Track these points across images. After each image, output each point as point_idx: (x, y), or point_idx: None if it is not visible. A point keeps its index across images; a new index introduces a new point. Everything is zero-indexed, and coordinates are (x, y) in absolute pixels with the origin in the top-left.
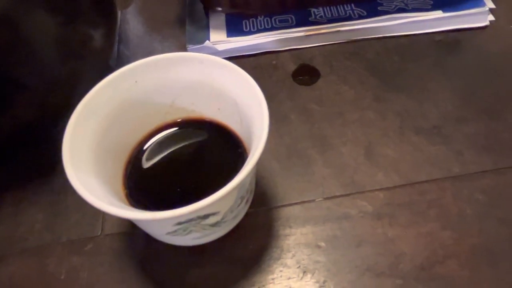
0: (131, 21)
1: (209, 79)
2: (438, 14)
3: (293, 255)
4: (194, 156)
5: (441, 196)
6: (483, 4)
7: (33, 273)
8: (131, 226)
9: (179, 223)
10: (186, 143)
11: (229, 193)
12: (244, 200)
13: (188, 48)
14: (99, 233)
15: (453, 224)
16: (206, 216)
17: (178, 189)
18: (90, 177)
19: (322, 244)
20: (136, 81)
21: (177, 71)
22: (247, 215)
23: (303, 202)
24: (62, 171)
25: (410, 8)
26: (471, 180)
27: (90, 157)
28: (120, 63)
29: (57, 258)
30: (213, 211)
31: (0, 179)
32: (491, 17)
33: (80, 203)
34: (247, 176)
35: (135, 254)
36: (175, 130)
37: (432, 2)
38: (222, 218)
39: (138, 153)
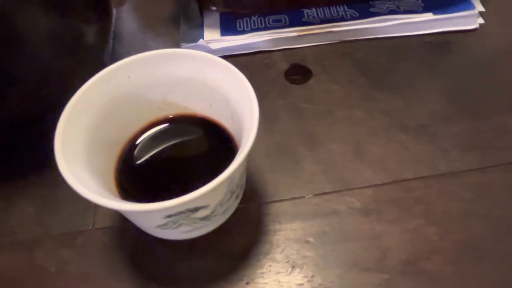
0: (125, 19)
1: (201, 75)
2: (429, 16)
3: (282, 250)
4: (186, 151)
5: (427, 193)
6: (473, 7)
7: (22, 266)
8: (122, 220)
9: (169, 216)
10: (177, 138)
11: (219, 186)
12: (234, 195)
13: (182, 47)
14: (90, 227)
15: (438, 220)
16: (196, 209)
17: (169, 184)
18: (82, 170)
19: (311, 239)
20: (129, 77)
21: (169, 67)
22: (237, 210)
23: (293, 198)
24: (54, 165)
25: (401, 10)
26: (457, 178)
27: (82, 150)
28: (114, 60)
29: (47, 251)
30: (202, 204)
31: None
32: (480, 20)
33: (72, 196)
34: (236, 170)
35: (125, 248)
36: (167, 126)
37: (423, 5)
38: (212, 212)
39: (130, 148)
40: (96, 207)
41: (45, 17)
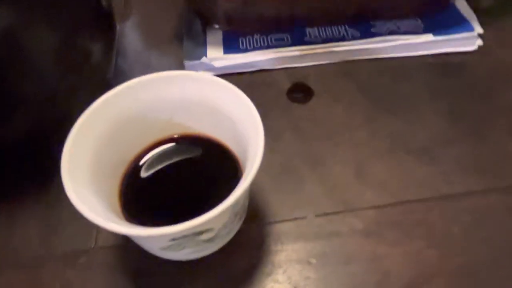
0: (129, 35)
1: (207, 97)
2: (429, 37)
3: (284, 271)
4: (189, 172)
5: (428, 216)
6: (472, 29)
7: (26, 286)
8: (125, 240)
9: (174, 239)
10: (181, 159)
11: (224, 211)
12: (238, 217)
13: (185, 64)
14: (92, 246)
15: (439, 243)
16: (201, 233)
17: (174, 205)
18: (88, 191)
19: (313, 260)
20: (134, 98)
21: (176, 88)
22: (239, 230)
23: (295, 218)
24: (58, 184)
25: (401, 31)
26: (457, 200)
27: (88, 172)
28: (117, 77)
29: (51, 271)
30: (207, 228)
31: None
32: (479, 42)
33: (75, 215)
34: (241, 195)
35: (128, 267)
36: (171, 146)
37: (423, 26)
38: (216, 234)
39: (134, 168)
40: (98, 226)
41: (51, 36)
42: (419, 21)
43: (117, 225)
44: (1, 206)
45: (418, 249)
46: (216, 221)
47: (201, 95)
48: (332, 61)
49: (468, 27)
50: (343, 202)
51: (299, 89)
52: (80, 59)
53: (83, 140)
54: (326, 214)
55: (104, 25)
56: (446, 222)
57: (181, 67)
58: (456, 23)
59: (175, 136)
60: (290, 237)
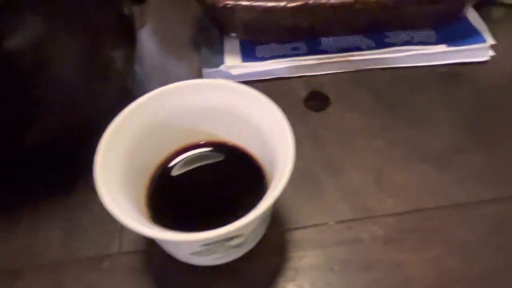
0: (146, 42)
1: (232, 105)
2: (442, 48)
3: (307, 277)
4: (214, 178)
5: (446, 223)
6: (484, 40)
7: None
8: (148, 244)
9: (206, 244)
10: (206, 165)
11: (256, 218)
12: (264, 223)
13: (203, 71)
14: (116, 251)
15: (458, 250)
16: (231, 238)
17: (200, 211)
18: (120, 197)
19: (335, 267)
20: (163, 105)
21: (202, 96)
22: (262, 236)
23: (315, 225)
24: (81, 189)
25: (415, 41)
26: (474, 208)
27: (119, 177)
28: (136, 84)
29: (73, 275)
30: (238, 233)
31: (19, 194)
32: (491, 53)
33: (97, 220)
34: (273, 202)
35: (151, 272)
36: (197, 152)
37: (436, 36)
38: (245, 240)
39: (160, 173)
40: (121, 231)
41: (77, 45)
42: (433, 32)
43: (156, 231)
44: (25, 210)
45: (437, 255)
46: (247, 227)
47: (226, 102)
48: (348, 69)
49: (480, 38)
50: (363, 209)
51: (316, 97)
52: (103, 66)
53: (114, 146)
54: (347, 220)
55: (126, 33)
56: (464, 229)
57: (199, 74)
58: (468, 34)
59: (201, 142)
60: (311, 244)
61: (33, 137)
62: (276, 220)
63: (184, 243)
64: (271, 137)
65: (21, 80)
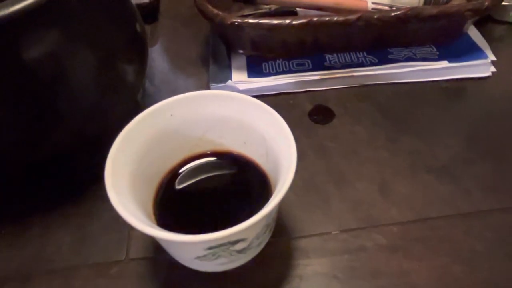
0: (156, 59)
1: (238, 115)
2: (444, 64)
3: (312, 285)
4: (221, 186)
5: (452, 232)
6: (486, 57)
7: None
8: (155, 252)
9: (211, 248)
10: (213, 173)
11: (259, 221)
12: (269, 229)
13: (211, 86)
14: (124, 257)
15: (464, 259)
16: (236, 242)
17: (206, 216)
18: (130, 203)
19: (340, 274)
20: (171, 115)
21: (209, 106)
22: (268, 244)
23: (321, 233)
24: (90, 198)
25: (418, 57)
26: (480, 218)
27: (128, 184)
28: (146, 98)
29: (82, 280)
30: (242, 237)
31: (30, 201)
32: (493, 69)
33: (106, 227)
34: (276, 206)
35: (158, 279)
36: (204, 161)
37: (438, 53)
38: (249, 245)
39: (168, 181)
40: (129, 238)
41: (92, 59)
42: (434, 49)
43: (162, 231)
44: (36, 216)
45: (443, 264)
46: (251, 230)
47: (232, 113)
48: (351, 85)
49: (481, 55)
50: (367, 218)
51: (321, 111)
52: (116, 80)
53: (124, 153)
54: (351, 229)
55: (138, 49)
56: (469, 239)
57: (207, 89)
58: (470, 51)
59: (208, 151)
60: (317, 252)
61: (48, 146)
62: (281, 229)
63: (189, 245)
64: (274, 144)
65: (39, 91)
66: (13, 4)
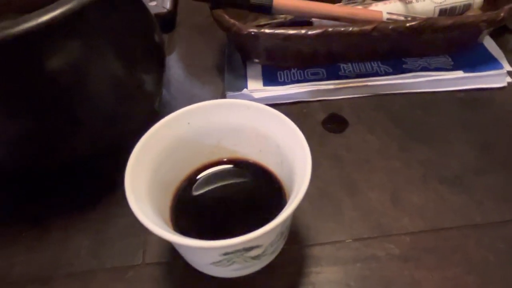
0: (173, 67)
1: (254, 123)
2: (459, 74)
3: None
4: (236, 193)
5: (464, 243)
6: (501, 67)
7: None
8: (170, 257)
9: (226, 253)
10: (229, 180)
11: (275, 228)
12: (283, 236)
13: (227, 95)
14: (140, 262)
15: (476, 270)
16: (251, 248)
17: (221, 223)
18: (145, 205)
19: (352, 283)
20: (188, 123)
21: (225, 115)
22: (281, 251)
23: (334, 242)
24: (108, 203)
25: (432, 67)
26: (492, 229)
27: (146, 190)
28: (162, 106)
29: (100, 283)
30: (257, 244)
31: (51, 205)
32: (509, 79)
33: (124, 233)
34: (290, 213)
35: (173, 283)
36: (219, 168)
37: (452, 63)
38: (263, 252)
39: (185, 187)
40: (146, 243)
41: (113, 67)
42: (449, 59)
43: (178, 236)
44: (56, 220)
45: (455, 275)
46: (266, 237)
47: (248, 121)
48: (365, 94)
49: (497, 65)
50: (379, 227)
51: (335, 120)
52: (134, 88)
53: (142, 160)
54: (364, 238)
55: (156, 58)
56: (482, 249)
57: (223, 97)
58: (485, 61)
59: (224, 159)
60: (329, 260)
61: (67, 152)
62: (295, 237)
63: (206, 251)
64: (289, 153)
65: (60, 99)
66: (39, 15)
